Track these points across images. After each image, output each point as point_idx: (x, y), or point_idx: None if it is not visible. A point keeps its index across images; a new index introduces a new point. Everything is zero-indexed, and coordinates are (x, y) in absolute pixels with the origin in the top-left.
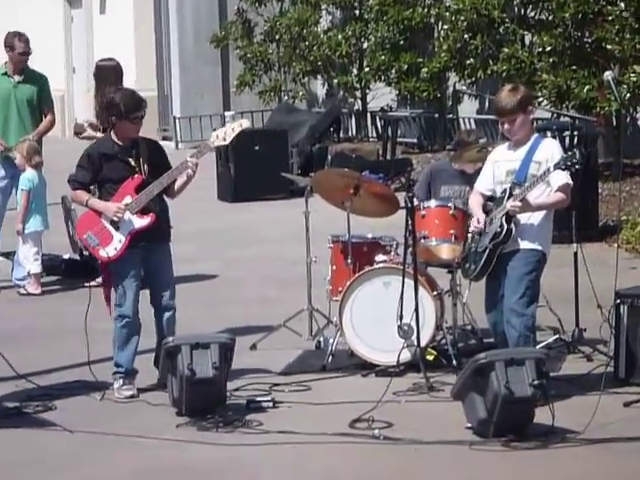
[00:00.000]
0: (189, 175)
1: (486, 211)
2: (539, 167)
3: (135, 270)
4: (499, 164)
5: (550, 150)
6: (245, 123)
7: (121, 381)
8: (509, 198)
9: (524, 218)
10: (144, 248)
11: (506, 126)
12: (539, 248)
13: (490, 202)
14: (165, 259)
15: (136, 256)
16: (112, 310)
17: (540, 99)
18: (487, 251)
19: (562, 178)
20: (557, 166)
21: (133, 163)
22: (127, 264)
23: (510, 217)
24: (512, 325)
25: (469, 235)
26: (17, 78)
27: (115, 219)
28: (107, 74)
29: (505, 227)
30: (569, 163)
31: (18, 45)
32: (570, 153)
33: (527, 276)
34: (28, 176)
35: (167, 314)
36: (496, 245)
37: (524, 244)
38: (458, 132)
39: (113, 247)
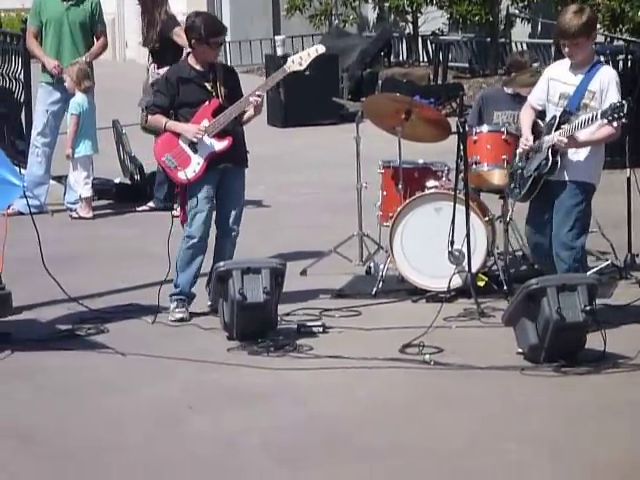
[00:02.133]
0: (255, 109)
1: (536, 132)
2: (593, 97)
3: (209, 192)
4: (554, 83)
5: (607, 80)
6: (321, 48)
7: (176, 303)
8: (557, 128)
9: (572, 150)
10: (220, 171)
11: (567, 49)
12: (588, 180)
13: (540, 121)
14: (239, 183)
15: (212, 178)
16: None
17: None
18: (532, 178)
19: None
20: (604, 115)
21: (210, 88)
22: (202, 186)
23: (556, 149)
24: (561, 258)
25: (517, 152)
26: (69, 1)
27: (195, 140)
28: None
29: (550, 160)
30: (615, 115)
31: None
32: (618, 104)
33: (575, 208)
34: (78, 100)
35: (231, 238)
36: (541, 175)
37: (572, 176)
38: (511, 54)
39: (192, 169)
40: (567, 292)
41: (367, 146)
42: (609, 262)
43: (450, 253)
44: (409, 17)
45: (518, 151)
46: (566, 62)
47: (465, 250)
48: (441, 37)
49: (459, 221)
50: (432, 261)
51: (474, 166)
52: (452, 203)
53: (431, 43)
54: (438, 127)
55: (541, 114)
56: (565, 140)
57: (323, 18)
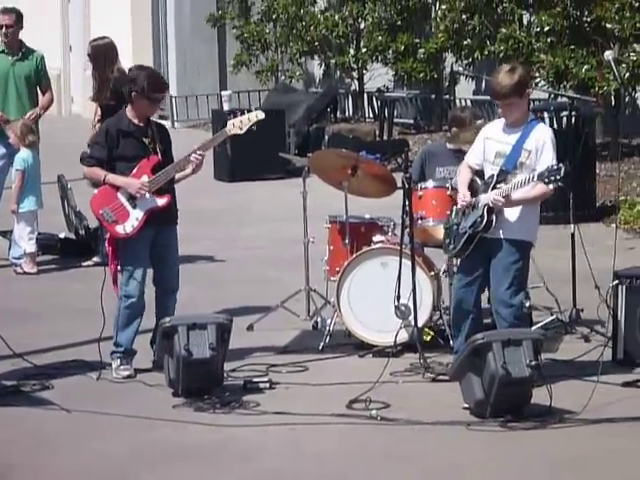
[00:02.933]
0: (194, 169)
1: (473, 189)
2: (529, 155)
3: (144, 250)
4: (490, 142)
5: (542, 139)
6: (260, 114)
7: (119, 361)
8: (494, 187)
9: (508, 209)
10: (154, 229)
11: (501, 109)
12: (524, 238)
13: (478, 178)
14: (173, 241)
15: (147, 236)
16: (117, 289)
17: (538, 79)
18: (466, 235)
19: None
20: (540, 177)
21: (147, 143)
22: (138, 244)
23: (492, 208)
24: (501, 316)
25: (454, 208)
26: (14, 56)
27: (138, 195)
28: (102, 53)
29: (486, 218)
30: (552, 178)
31: (2, 18)
32: (555, 167)
33: (513, 266)
34: (23, 156)
35: (170, 296)
36: (475, 232)
37: (508, 234)
38: (452, 109)
39: (130, 224)
40: (512, 347)
41: (314, 201)
42: (554, 317)
43: (396, 308)
44: (355, 74)
45: (455, 207)
46: (501, 121)
47: (411, 305)
48: (386, 94)
49: (405, 276)
50: (379, 316)
51: (419, 221)
52: (398, 258)
53: (377, 99)
54: (384, 182)
55: (478, 172)
56: (501, 200)
57: (269, 74)
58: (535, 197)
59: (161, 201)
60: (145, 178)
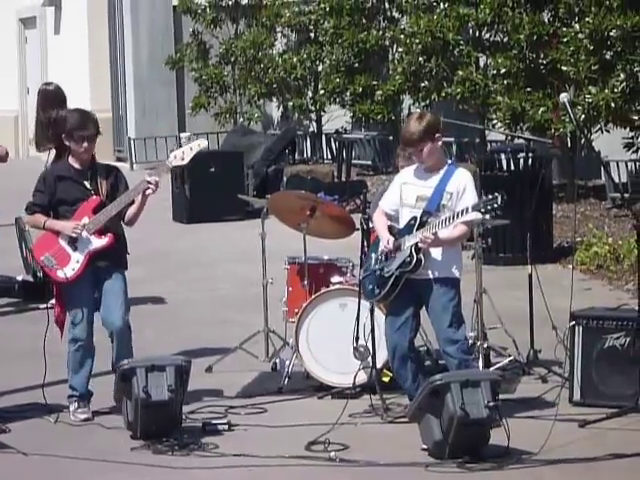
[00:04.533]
0: (148, 193)
1: (392, 233)
2: (450, 197)
3: (89, 292)
4: (408, 186)
5: (463, 181)
6: (202, 143)
7: (76, 404)
8: (419, 227)
9: (433, 248)
10: (99, 270)
11: (415, 157)
12: (454, 275)
13: (396, 225)
14: (119, 284)
15: (90, 277)
16: (63, 333)
17: (494, 121)
18: (393, 277)
19: (471, 214)
20: (475, 208)
21: (89, 186)
22: (81, 286)
23: (419, 247)
24: (449, 354)
25: (372, 255)
26: None
27: (73, 235)
28: (50, 98)
29: (415, 257)
30: (489, 207)
31: None
32: (491, 197)
33: (450, 303)
34: None
35: (116, 338)
36: (403, 273)
37: (438, 272)
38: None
39: (71, 267)
40: (470, 388)
41: (273, 242)
42: (512, 358)
43: (355, 349)
44: (313, 115)
45: (380, 250)
46: (416, 167)
47: (370, 346)
48: (344, 135)
49: (364, 317)
50: (337, 357)
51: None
52: (357, 299)
53: (335, 141)
54: (342, 224)
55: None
56: (431, 237)
57: (228, 116)
58: (459, 236)
59: (101, 241)
60: (85, 220)
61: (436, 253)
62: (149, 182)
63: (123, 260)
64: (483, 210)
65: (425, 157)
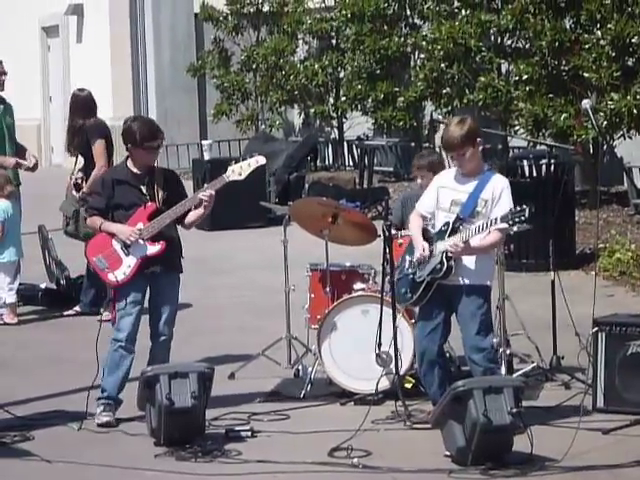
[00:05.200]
0: (205, 207)
1: (426, 237)
2: (485, 204)
3: (139, 296)
4: (445, 190)
5: (499, 188)
6: (261, 159)
7: (102, 407)
8: (452, 233)
9: (466, 256)
10: (150, 275)
11: (455, 161)
12: (485, 283)
13: (431, 229)
14: (170, 288)
15: (141, 282)
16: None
17: (517, 127)
18: (425, 283)
19: (499, 224)
20: (504, 219)
21: (145, 191)
22: (131, 289)
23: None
24: (474, 361)
25: (407, 258)
26: (2, 105)
27: (128, 242)
28: (81, 104)
29: (445, 264)
30: (516, 219)
31: None
32: (520, 208)
33: (479, 311)
34: (2, 206)
35: (161, 342)
36: (434, 279)
37: (469, 280)
38: (426, 157)
39: (122, 271)
40: (493, 394)
41: (295, 249)
42: (535, 364)
43: (377, 355)
44: (334, 122)
45: (415, 258)
46: (454, 170)
47: (392, 352)
48: (366, 142)
49: (386, 323)
50: (360, 363)
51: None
52: (379, 306)
53: (356, 148)
54: (364, 230)
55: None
56: (461, 245)
57: (249, 123)
58: (491, 244)
59: (154, 248)
60: (140, 225)
61: (468, 260)
62: (202, 198)
63: (178, 264)
64: (511, 222)
65: (466, 162)
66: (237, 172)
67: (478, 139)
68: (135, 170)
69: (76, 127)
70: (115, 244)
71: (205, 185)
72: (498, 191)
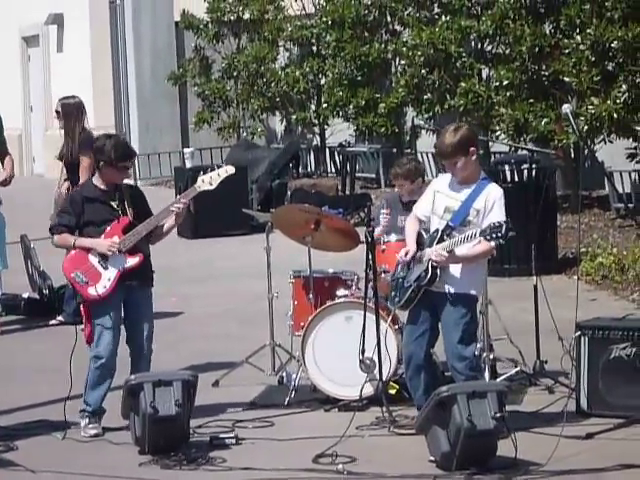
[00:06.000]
0: (176, 218)
1: (419, 242)
2: (477, 214)
3: (115, 311)
4: (440, 195)
5: (492, 199)
6: (230, 169)
7: (87, 419)
8: (440, 240)
9: (453, 264)
10: (127, 288)
11: (448, 169)
12: (469, 292)
13: (424, 232)
14: (146, 302)
15: (119, 296)
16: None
17: (498, 133)
18: (411, 288)
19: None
20: (482, 233)
21: (116, 206)
22: (108, 304)
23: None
24: (457, 370)
25: (399, 261)
26: None
27: (109, 253)
28: (71, 111)
29: (430, 272)
30: (494, 235)
31: None
32: (498, 224)
33: (462, 320)
34: None
35: (143, 356)
36: (420, 286)
37: (454, 288)
38: (403, 165)
39: (102, 285)
40: (477, 399)
41: (278, 256)
42: (518, 369)
43: (361, 362)
44: (316, 129)
45: (398, 260)
46: (451, 177)
47: (376, 358)
48: (348, 148)
49: (370, 329)
50: (344, 370)
51: (383, 275)
52: (362, 312)
53: (338, 154)
54: (347, 237)
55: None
56: (445, 255)
57: (231, 130)
58: (478, 254)
59: (132, 261)
60: (116, 239)
61: (454, 269)
62: (174, 210)
63: (150, 278)
64: (488, 237)
65: (458, 171)
66: (207, 182)
67: (472, 148)
68: (102, 187)
69: (70, 137)
70: (92, 258)
71: (177, 197)
72: (491, 202)
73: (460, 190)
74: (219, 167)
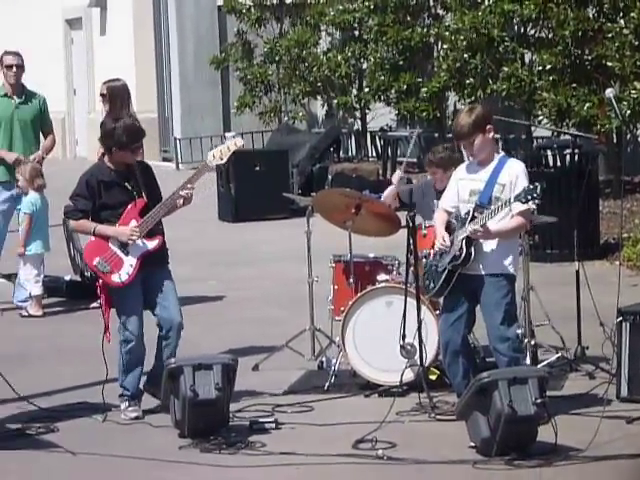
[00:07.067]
0: (184, 202)
1: (450, 230)
2: (503, 189)
3: (138, 294)
4: (463, 182)
5: (515, 172)
6: (239, 141)
7: (127, 402)
8: (471, 221)
9: (487, 244)
10: (145, 272)
11: (466, 149)
12: (508, 272)
13: (454, 221)
14: (167, 280)
15: (139, 279)
16: (110, 336)
17: (540, 117)
18: (446, 272)
19: (515, 204)
20: (517, 198)
21: (131, 188)
22: (132, 289)
23: (470, 241)
24: (499, 351)
25: (431, 252)
26: (17, 99)
27: (130, 242)
28: (117, 94)
29: (464, 250)
30: (529, 197)
31: (6, 58)
32: (532, 186)
33: (502, 300)
34: (31, 199)
35: (173, 334)
36: (455, 267)
37: (491, 269)
38: (440, 152)
39: (125, 271)
40: (518, 385)
41: (318, 240)
42: (559, 354)
43: (402, 347)
44: (357, 113)
45: (436, 248)
46: (470, 162)
47: (417, 344)
48: (389, 133)
49: (410, 315)
50: (384, 355)
51: (424, 259)
52: (403, 297)
53: (379, 139)
54: (388, 221)
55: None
56: (480, 229)
57: (273, 115)
58: (513, 228)
59: (152, 244)
60: (133, 223)
61: (490, 249)
62: (182, 196)
63: (166, 257)
64: (524, 200)
65: (476, 150)
66: (218, 157)
67: (488, 126)
68: (115, 168)
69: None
70: (112, 245)
71: (192, 175)
72: (514, 175)
73: (480, 170)
74: (226, 139)
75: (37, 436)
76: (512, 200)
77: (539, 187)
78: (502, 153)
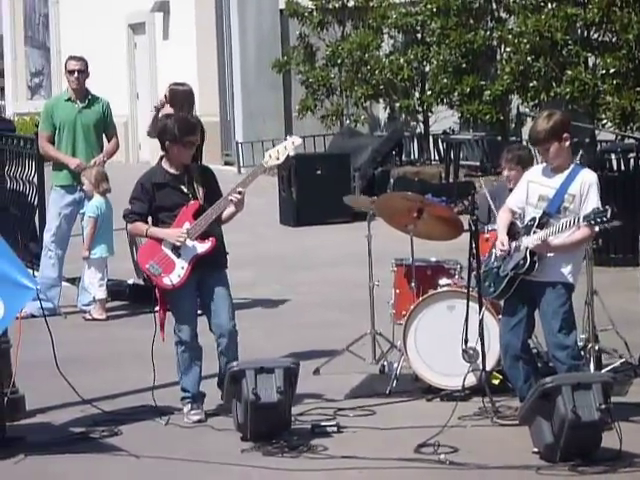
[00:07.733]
0: (236, 206)
1: (513, 233)
2: (573, 199)
3: (192, 296)
4: (534, 185)
5: (587, 183)
6: (297, 140)
7: (189, 406)
8: (538, 228)
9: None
10: (200, 274)
11: (541, 155)
12: (567, 280)
13: (518, 222)
14: (221, 285)
15: (194, 282)
16: (164, 336)
17: (604, 121)
18: (508, 277)
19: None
20: (586, 218)
21: (186, 190)
22: (186, 290)
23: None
24: (558, 359)
25: (493, 252)
26: (80, 104)
27: (177, 244)
28: (182, 98)
29: (529, 260)
30: (598, 220)
31: (69, 63)
32: (602, 209)
33: (561, 308)
34: (96, 203)
35: (225, 340)
36: (517, 274)
37: (552, 277)
38: (515, 151)
39: (176, 274)
40: (582, 390)
41: (379, 244)
42: (623, 360)
43: (464, 351)
44: (420, 116)
45: (493, 252)
46: (544, 166)
47: (479, 348)
48: (452, 136)
49: (472, 319)
50: (446, 359)
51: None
52: (465, 301)
53: (442, 142)
54: (450, 225)
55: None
56: (546, 243)
57: (334, 118)
58: (578, 241)
59: (204, 246)
60: (187, 225)
61: (553, 257)
62: (232, 200)
63: (224, 260)
64: (593, 222)
65: (551, 157)
66: (274, 157)
67: (565, 134)
68: (172, 171)
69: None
70: (165, 248)
71: (245, 178)
72: (586, 187)
73: (553, 177)
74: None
75: (101, 439)
76: (580, 220)
77: (609, 211)
78: (576, 162)
